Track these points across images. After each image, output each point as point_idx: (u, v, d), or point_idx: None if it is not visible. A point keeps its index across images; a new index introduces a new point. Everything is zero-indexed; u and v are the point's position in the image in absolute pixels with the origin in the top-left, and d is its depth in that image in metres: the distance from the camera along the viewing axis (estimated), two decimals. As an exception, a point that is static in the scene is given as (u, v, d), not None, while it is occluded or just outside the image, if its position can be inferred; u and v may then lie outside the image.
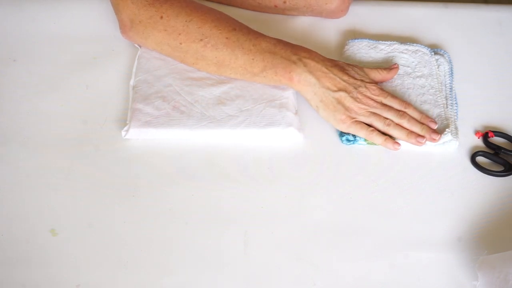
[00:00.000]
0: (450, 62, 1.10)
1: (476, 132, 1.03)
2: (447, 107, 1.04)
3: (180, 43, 1.03)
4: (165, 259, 0.90)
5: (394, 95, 1.02)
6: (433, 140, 0.99)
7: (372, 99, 1.00)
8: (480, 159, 1.01)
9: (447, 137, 1.00)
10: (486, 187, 0.98)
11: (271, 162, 0.99)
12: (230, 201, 0.95)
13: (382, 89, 1.01)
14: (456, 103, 1.05)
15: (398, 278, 0.90)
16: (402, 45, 1.11)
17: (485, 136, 1.02)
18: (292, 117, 1.01)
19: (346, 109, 0.98)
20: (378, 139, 0.99)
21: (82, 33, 1.12)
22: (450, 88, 1.06)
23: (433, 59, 1.09)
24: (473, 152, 1.01)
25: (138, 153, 0.99)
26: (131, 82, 1.05)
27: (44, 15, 1.14)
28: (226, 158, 0.99)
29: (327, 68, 0.99)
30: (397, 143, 0.99)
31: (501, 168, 1.00)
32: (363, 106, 0.99)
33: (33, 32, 1.12)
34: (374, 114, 1.00)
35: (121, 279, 0.89)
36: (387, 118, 1.00)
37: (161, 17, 1.02)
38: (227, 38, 1.01)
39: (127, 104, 1.03)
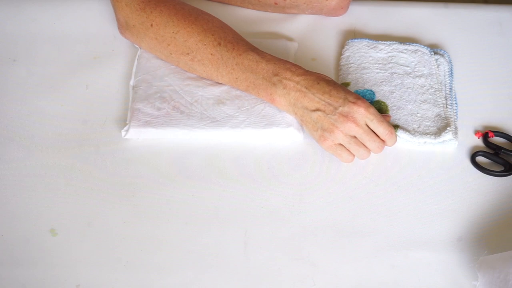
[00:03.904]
0: (450, 62, 1.10)
1: (476, 132, 1.03)
2: (446, 107, 1.04)
3: (171, 53, 1.03)
4: (165, 259, 0.90)
5: (381, 118, 0.97)
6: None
7: (355, 121, 0.95)
8: (480, 159, 1.01)
9: (448, 135, 1.00)
10: (486, 187, 0.98)
11: (271, 162, 0.99)
12: (230, 201, 0.95)
13: (369, 110, 0.96)
14: (456, 103, 1.05)
15: (398, 278, 0.90)
16: (402, 44, 1.10)
17: (485, 136, 1.02)
18: (291, 117, 1.01)
19: (325, 129, 0.96)
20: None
21: (82, 33, 1.12)
22: (450, 88, 1.06)
23: (433, 58, 1.09)
24: (473, 152, 1.01)
25: (138, 153, 0.99)
26: (131, 82, 1.05)
27: (44, 15, 1.14)
28: (226, 158, 0.99)
29: (306, 88, 0.97)
30: None
31: (501, 168, 1.00)
32: (342, 129, 0.95)
33: (33, 32, 1.12)
34: (355, 139, 0.96)
35: (121, 279, 0.89)
36: (366, 147, 0.97)
37: (151, 25, 1.02)
38: (211, 54, 1.00)
39: (127, 104, 1.03)
